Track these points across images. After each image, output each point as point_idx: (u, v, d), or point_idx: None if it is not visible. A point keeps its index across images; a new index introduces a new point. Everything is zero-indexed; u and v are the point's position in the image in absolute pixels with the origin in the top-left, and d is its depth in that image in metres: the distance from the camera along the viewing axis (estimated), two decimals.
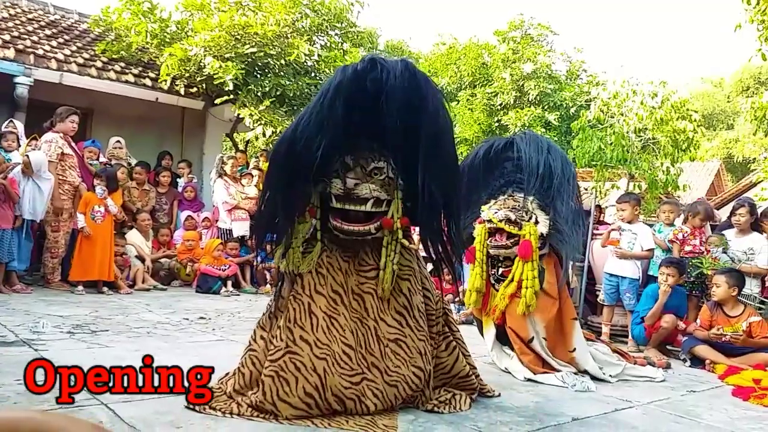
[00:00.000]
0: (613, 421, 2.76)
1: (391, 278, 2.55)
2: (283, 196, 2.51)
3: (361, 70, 2.39)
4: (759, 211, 5.66)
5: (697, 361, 4.46)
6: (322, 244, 2.59)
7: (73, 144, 6.26)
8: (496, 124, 13.88)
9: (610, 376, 3.67)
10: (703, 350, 4.44)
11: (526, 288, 3.56)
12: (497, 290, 3.79)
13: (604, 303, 5.52)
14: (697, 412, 3.07)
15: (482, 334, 3.97)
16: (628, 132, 9.66)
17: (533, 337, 3.63)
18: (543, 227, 3.66)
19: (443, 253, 2.73)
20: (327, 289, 2.54)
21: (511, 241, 3.66)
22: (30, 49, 7.99)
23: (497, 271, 3.82)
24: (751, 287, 4.98)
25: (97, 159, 6.74)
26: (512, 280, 3.66)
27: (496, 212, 3.71)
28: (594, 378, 3.55)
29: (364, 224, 2.53)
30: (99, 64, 8.59)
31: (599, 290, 5.78)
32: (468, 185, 4.00)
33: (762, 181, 12.08)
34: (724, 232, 5.60)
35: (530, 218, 3.68)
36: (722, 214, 7.26)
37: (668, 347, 4.91)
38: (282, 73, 8.70)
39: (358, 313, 2.55)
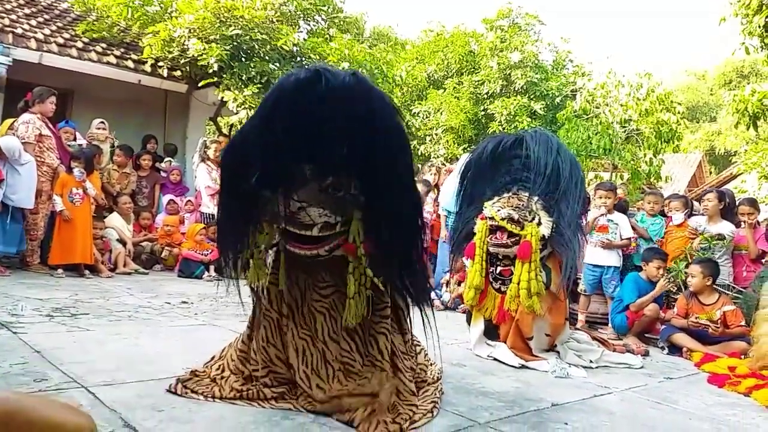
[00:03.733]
0: (591, 406, 2.80)
1: (360, 308, 2.27)
2: (231, 204, 2.34)
3: (304, 80, 2.12)
4: (737, 201, 5.78)
5: (675, 349, 4.54)
6: (285, 256, 2.37)
7: (50, 125, 6.15)
8: (482, 113, 13.89)
9: (590, 361, 3.73)
10: (680, 338, 4.52)
11: (522, 289, 3.53)
12: (495, 288, 3.77)
13: (585, 293, 5.57)
14: (673, 398, 3.12)
15: (468, 324, 3.99)
16: (612, 122, 9.74)
17: (533, 336, 3.65)
18: (545, 229, 3.60)
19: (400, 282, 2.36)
20: (286, 304, 2.43)
21: (512, 240, 3.61)
22: (8, 28, 7.81)
23: (495, 269, 3.77)
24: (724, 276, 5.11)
25: (74, 140, 6.62)
26: (513, 281, 3.62)
27: (499, 210, 3.65)
28: (574, 366, 3.60)
29: (312, 247, 2.25)
30: (80, 44, 8.42)
31: (579, 279, 5.85)
32: (473, 180, 3.95)
33: (742, 173, 12.27)
34: (696, 219, 5.73)
35: (533, 219, 3.62)
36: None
37: (647, 335, 4.99)
38: (267, 58, 8.60)
39: (309, 331, 2.40)
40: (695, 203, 6.85)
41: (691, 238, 5.44)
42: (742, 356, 4.17)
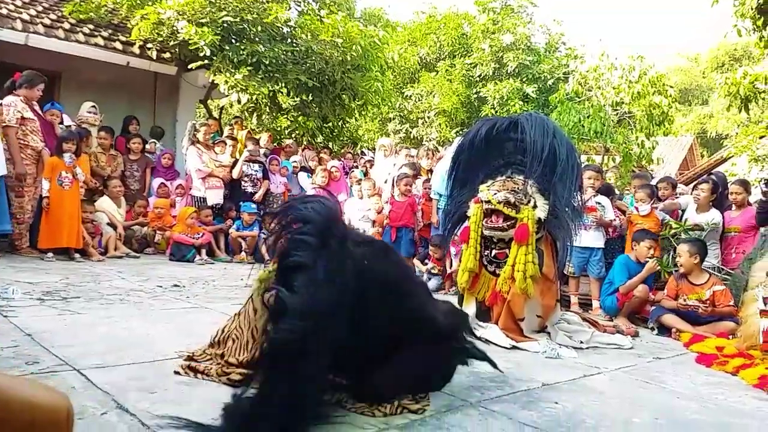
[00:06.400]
0: (581, 386, 2.83)
1: None
2: None
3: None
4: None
5: (664, 330, 4.59)
6: None
7: (36, 107, 6.05)
8: (475, 96, 13.83)
9: (581, 342, 3.76)
10: (669, 319, 4.56)
11: (518, 271, 3.55)
12: (489, 271, 3.78)
13: (573, 275, 5.60)
14: (662, 378, 3.16)
15: (460, 306, 4.00)
16: (605, 105, 9.73)
17: (524, 318, 3.67)
18: (541, 212, 3.61)
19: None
20: None
21: (507, 223, 3.62)
22: None
23: (490, 252, 3.77)
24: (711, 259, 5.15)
25: (61, 122, 6.53)
26: (508, 264, 3.63)
27: (495, 193, 3.64)
28: (564, 347, 3.63)
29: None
30: (67, 25, 8.27)
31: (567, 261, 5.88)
32: (466, 163, 3.95)
33: (733, 156, 12.33)
34: (684, 203, 5.75)
35: (529, 202, 3.63)
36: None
37: (637, 316, 5.03)
38: (258, 39, 8.50)
39: None
40: (684, 186, 6.87)
41: (659, 229, 5.44)
42: (730, 336, 4.22)
